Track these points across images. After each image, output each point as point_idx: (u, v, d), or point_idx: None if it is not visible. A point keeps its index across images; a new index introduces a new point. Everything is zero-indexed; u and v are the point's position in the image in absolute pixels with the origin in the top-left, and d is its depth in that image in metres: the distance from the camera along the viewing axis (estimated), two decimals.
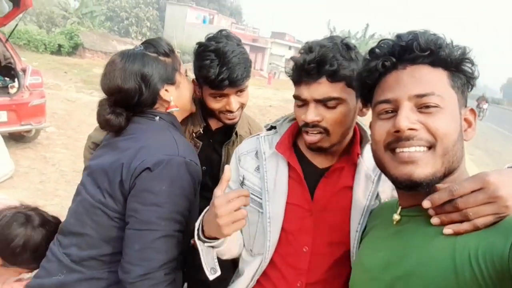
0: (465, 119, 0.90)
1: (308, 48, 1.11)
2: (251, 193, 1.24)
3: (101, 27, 31.35)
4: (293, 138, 1.30)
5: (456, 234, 0.77)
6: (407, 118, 0.83)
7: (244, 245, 1.33)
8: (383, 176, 1.16)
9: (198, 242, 1.12)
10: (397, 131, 0.84)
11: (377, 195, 1.20)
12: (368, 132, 1.20)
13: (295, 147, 1.29)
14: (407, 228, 0.91)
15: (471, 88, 0.91)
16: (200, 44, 1.56)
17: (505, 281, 0.65)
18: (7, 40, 6.16)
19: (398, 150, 0.86)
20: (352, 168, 1.24)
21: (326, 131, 1.14)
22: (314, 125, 1.13)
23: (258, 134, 1.36)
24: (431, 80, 0.85)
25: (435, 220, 0.82)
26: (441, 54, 0.85)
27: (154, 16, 40.93)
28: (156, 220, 1.18)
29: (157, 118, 1.37)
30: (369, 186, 1.20)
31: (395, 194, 1.17)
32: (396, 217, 0.95)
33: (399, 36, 0.90)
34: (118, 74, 1.33)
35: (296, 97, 1.16)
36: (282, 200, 1.22)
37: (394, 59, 0.88)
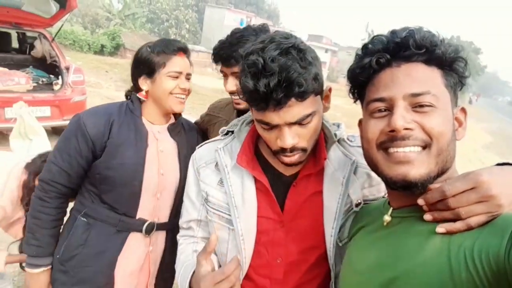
0: (456, 119, 0.88)
1: (263, 68, 0.94)
2: (217, 210, 1.20)
3: (142, 29, 32.31)
4: (254, 144, 1.22)
5: (449, 233, 0.76)
6: (403, 118, 0.81)
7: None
8: (352, 176, 1.14)
9: None
10: (392, 131, 0.82)
11: (348, 196, 1.14)
12: (332, 130, 1.17)
13: (257, 153, 1.21)
14: (399, 229, 0.89)
15: (462, 87, 0.90)
16: None
17: (501, 280, 0.65)
18: (53, 39, 6.50)
19: (392, 150, 0.84)
20: (320, 172, 1.17)
21: (303, 150, 1.07)
22: (293, 148, 1.04)
23: (216, 141, 1.28)
24: (426, 79, 0.83)
25: (428, 216, 0.81)
26: (437, 53, 0.84)
27: (193, 18, 41.78)
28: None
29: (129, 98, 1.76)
30: (339, 188, 1.14)
31: (366, 193, 1.17)
32: (387, 218, 0.92)
33: (393, 32, 0.87)
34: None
35: (263, 122, 1.03)
36: (253, 215, 1.15)
37: (388, 56, 0.86)
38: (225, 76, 1.70)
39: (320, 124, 1.10)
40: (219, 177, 1.20)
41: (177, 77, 1.64)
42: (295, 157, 1.07)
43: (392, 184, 0.86)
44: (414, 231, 0.84)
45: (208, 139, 1.89)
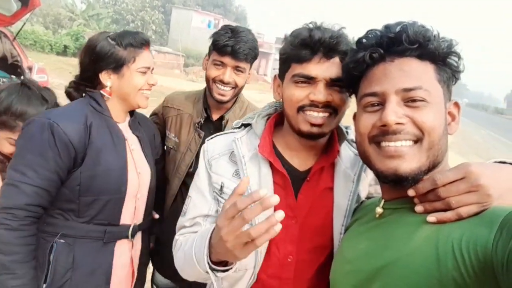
0: (449, 113, 0.89)
1: (317, 27, 1.07)
2: None
3: (107, 29, 31.54)
4: (271, 138, 1.21)
5: (440, 222, 0.78)
6: (395, 113, 0.82)
7: None
8: (362, 174, 1.16)
9: (210, 274, 0.97)
10: (384, 125, 0.84)
11: (358, 194, 1.15)
12: (344, 129, 1.19)
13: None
14: (390, 220, 0.91)
15: (455, 82, 0.90)
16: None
17: (487, 270, 0.66)
18: (14, 38, 6.27)
19: (383, 144, 0.86)
20: (331, 168, 1.18)
21: (334, 111, 1.09)
22: (325, 105, 1.07)
23: (228, 133, 1.28)
24: (418, 74, 0.84)
25: (419, 208, 0.83)
26: (430, 47, 0.84)
27: (160, 19, 41.16)
28: (8, 170, 1.38)
29: (84, 94, 1.59)
30: (349, 186, 1.15)
31: (372, 190, 1.19)
32: (379, 210, 0.94)
33: (387, 27, 0.88)
34: (83, 48, 1.60)
35: (300, 75, 1.07)
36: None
37: (382, 51, 0.87)
38: (223, 66, 1.80)
39: (347, 108, 1.13)
40: (234, 168, 1.19)
41: (145, 73, 1.58)
42: (322, 118, 1.08)
43: (383, 178, 0.88)
44: (404, 222, 0.85)
45: (166, 130, 1.98)
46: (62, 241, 1.45)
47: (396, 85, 0.84)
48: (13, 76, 6.23)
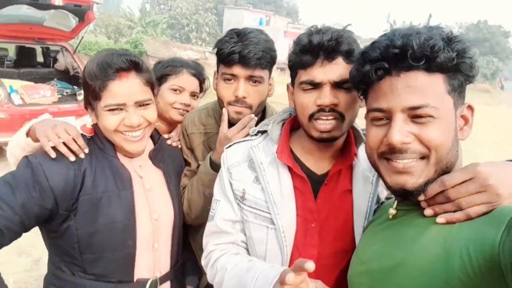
0: (462, 116, 0.87)
1: (317, 31, 1.08)
2: (254, 208, 1.18)
3: (163, 35, 32.75)
4: (288, 143, 1.22)
5: (449, 223, 0.79)
6: (400, 132, 0.82)
7: None
8: None
9: None
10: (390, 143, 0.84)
11: (377, 195, 1.16)
12: (361, 131, 1.18)
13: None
14: (402, 221, 0.92)
15: (469, 82, 0.87)
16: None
17: (494, 269, 0.66)
18: (74, 52, 6.75)
19: (391, 160, 0.87)
20: (349, 170, 1.19)
21: (341, 116, 1.08)
22: (331, 109, 1.07)
23: (247, 141, 1.27)
24: (426, 89, 0.81)
25: (428, 211, 0.84)
26: (437, 61, 0.81)
27: (213, 21, 41.95)
28: None
29: None
30: (368, 188, 1.16)
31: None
32: (392, 211, 0.95)
33: (391, 40, 0.84)
34: None
35: (306, 82, 1.08)
36: (293, 212, 1.14)
37: (387, 65, 0.84)
38: (235, 79, 1.46)
39: (358, 105, 1.12)
40: (254, 175, 1.20)
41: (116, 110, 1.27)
42: (331, 123, 1.08)
43: (392, 192, 0.90)
44: (415, 222, 0.87)
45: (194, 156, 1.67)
46: None
47: (403, 103, 0.83)
48: (75, 87, 6.72)
